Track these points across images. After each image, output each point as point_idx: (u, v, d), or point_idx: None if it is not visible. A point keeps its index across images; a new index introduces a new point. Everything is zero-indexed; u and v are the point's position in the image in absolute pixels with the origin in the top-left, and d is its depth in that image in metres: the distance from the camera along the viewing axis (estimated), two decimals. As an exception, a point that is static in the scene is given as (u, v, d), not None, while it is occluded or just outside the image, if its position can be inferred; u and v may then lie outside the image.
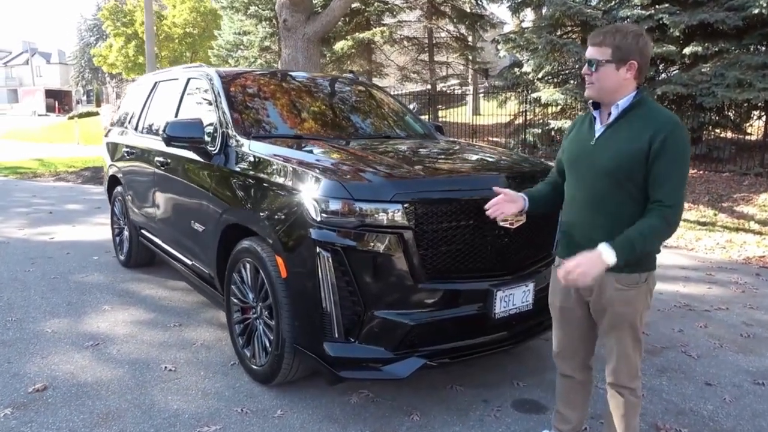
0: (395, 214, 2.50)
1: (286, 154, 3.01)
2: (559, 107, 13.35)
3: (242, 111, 3.63)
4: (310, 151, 3.11)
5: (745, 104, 10.39)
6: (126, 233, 5.23)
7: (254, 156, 3.09)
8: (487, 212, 2.27)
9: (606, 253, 1.84)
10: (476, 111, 19.90)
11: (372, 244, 2.50)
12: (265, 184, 2.89)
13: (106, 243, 6.16)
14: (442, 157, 3.37)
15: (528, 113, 14.25)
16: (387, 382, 2.97)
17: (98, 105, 40.70)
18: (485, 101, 15.99)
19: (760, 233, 7.46)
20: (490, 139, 16.40)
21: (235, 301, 3.20)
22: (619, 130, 1.96)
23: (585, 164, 2.03)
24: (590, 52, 1.98)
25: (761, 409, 2.91)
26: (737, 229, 7.60)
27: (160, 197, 4.25)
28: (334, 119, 4.01)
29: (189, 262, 3.90)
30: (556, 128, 12.86)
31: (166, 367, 3.23)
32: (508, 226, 2.73)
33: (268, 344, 2.91)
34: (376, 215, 2.50)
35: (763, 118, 11.33)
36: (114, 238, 5.61)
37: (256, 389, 2.99)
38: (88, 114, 36.17)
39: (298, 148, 3.17)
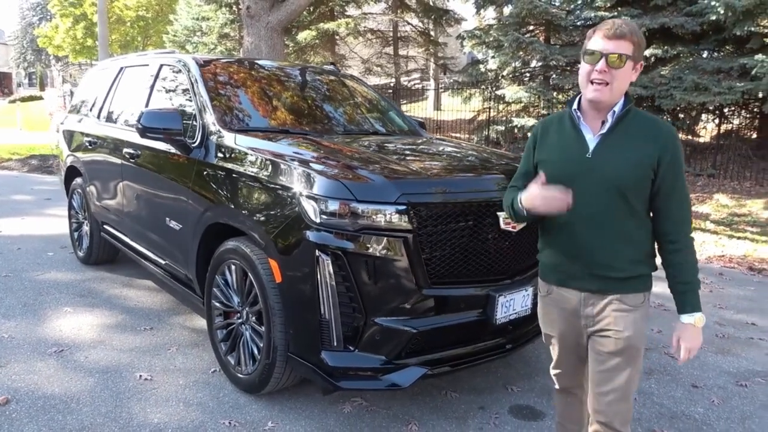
0: (400, 216, 2.38)
1: (279, 150, 2.83)
2: (522, 105, 13.52)
3: (223, 102, 3.41)
4: (304, 147, 2.93)
5: (698, 107, 10.77)
6: (86, 228, 4.90)
7: (242, 151, 2.90)
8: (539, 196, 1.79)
9: (698, 320, 1.78)
10: (437, 106, 19.93)
11: (375, 247, 2.37)
12: (256, 182, 2.70)
13: (60, 237, 5.78)
14: (440, 156, 3.26)
15: (491, 110, 14.35)
16: (379, 390, 2.85)
17: (42, 89, 38.59)
18: (450, 97, 15.99)
19: (715, 233, 7.73)
20: (452, 134, 16.45)
21: (218, 305, 3.01)
22: (618, 139, 1.78)
23: (583, 179, 1.79)
24: (609, 46, 1.71)
25: (749, 411, 2.96)
26: (694, 229, 7.84)
27: (129, 191, 3.98)
28: (324, 113, 3.84)
29: (162, 261, 3.66)
30: (519, 126, 13.01)
31: (141, 376, 3.00)
32: (510, 229, 2.68)
33: (256, 352, 2.74)
34: (379, 217, 2.37)
35: (715, 122, 11.78)
36: (72, 233, 5.25)
37: (241, 399, 2.82)
38: (31, 98, 34.26)
39: (289, 143, 2.99)
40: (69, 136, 5.22)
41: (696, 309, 1.79)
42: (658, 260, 1.87)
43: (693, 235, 1.83)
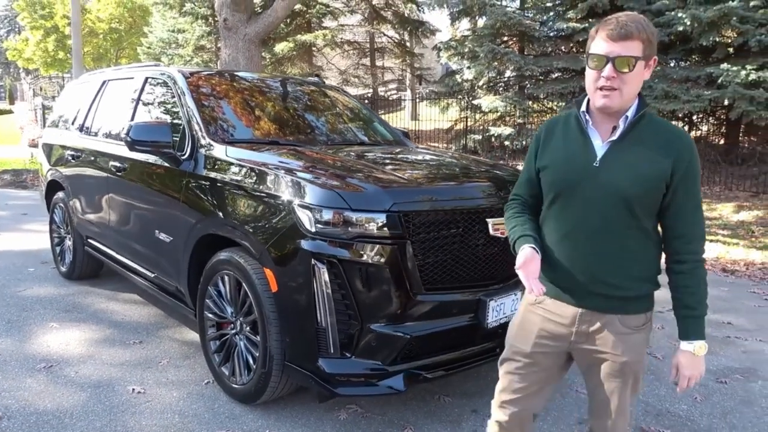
0: (393, 223, 2.43)
1: (270, 161, 2.87)
2: (498, 114, 13.77)
3: (212, 114, 3.44)
4: (295, 158, 2.98)
5: (668, 114, 11.11)
6: (68, 243, 4.85)
7: (234, 163, 2.93)
8: (521, 276, 1.68)
9: (698, 348, 1.65)
10: (414, 116, 20.14)
11: (369, 255, 2.42)
12: (249, 193, 2.74)
13: (40, 252, 5.70)
14: (428, 164, 3.33)
15: (468, 120, 14.57)
16: (375, 396, 2.89)
17: (11, 102, 37.76)
18: (427, 107, 16.19)
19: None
20: (430, 144, 16.63)
21: (210, 316, 3.02)
22: (630, 146, 1.62)
23: (589, 189, 1.64)
24: (615, 48, 1.54)
25: (729, 406, 3.07)
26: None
27: (115, 205, 3.96)
28: (311, 124, 3.90)
29: (150, 274, 3.65)
30: (495, 135, 13.22)
31: (133, 389, 2.99)
32: (499, 234, 2.76)
33: (251, 361, 2.76)
34: (373, 225, 2.42)
35: (685, 129, 12.15)
36: (53, 248, 5.18)
37: (237, 409, 2.83)
38: (0, 112, 33.50)
39: (280, 154, 3.03)
40: (49, 150, 5.17)
41: (698, 337, 1.66)
42: (662, 278, 1.74)
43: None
